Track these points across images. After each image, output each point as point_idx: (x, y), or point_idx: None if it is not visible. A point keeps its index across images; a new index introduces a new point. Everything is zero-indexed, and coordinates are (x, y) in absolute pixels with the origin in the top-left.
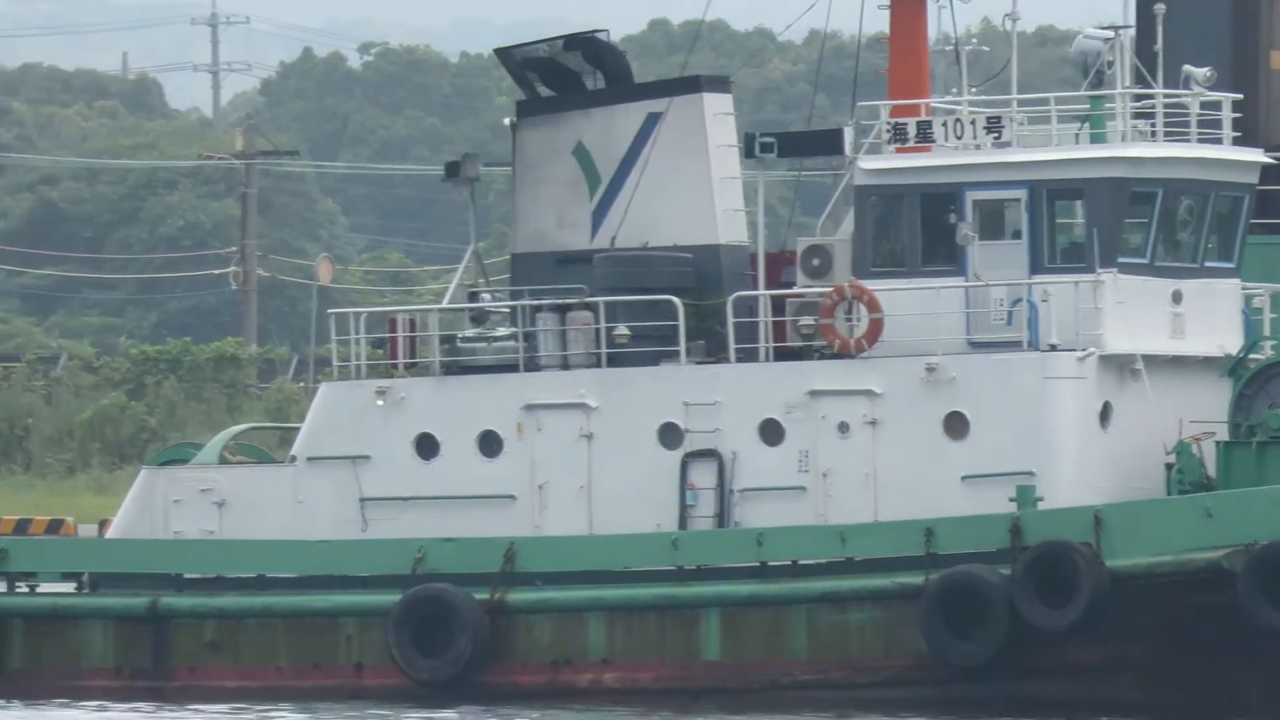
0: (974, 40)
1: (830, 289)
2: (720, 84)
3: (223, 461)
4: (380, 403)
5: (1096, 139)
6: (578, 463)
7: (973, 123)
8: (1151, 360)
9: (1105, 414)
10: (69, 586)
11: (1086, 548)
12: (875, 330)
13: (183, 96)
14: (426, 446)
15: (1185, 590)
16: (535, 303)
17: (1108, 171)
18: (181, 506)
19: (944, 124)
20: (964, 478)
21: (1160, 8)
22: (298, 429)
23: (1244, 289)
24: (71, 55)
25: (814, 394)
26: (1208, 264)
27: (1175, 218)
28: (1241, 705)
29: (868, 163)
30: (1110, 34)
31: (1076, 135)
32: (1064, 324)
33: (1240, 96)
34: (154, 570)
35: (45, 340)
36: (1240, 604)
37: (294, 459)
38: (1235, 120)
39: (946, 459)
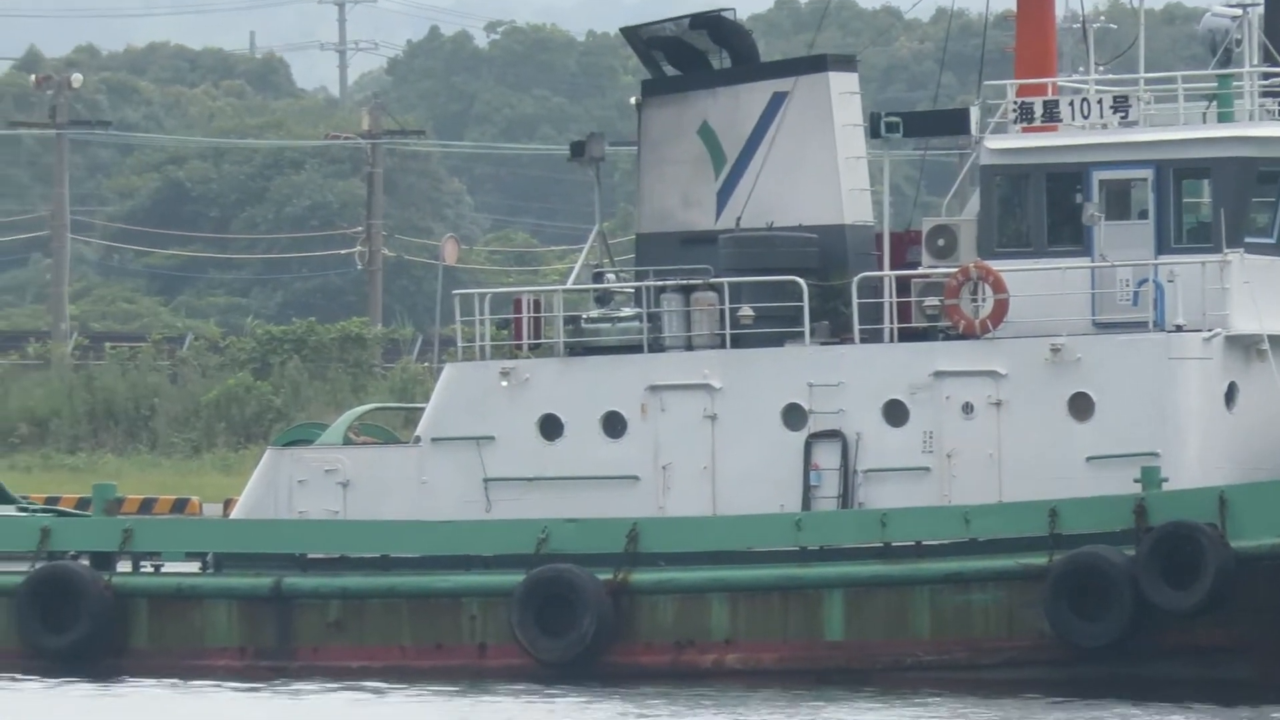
0: (1101, 18)
1: (955, 269)
2: (846, 63)
3: (347, 442)
4: (505, 383)
5: (1224, 118)
6: (701, 443)
7: (1099, 102)
8: (1278, 340)
9: (1231, 395)
10: (193, 566)
11: (1211, 529)
12: (1000, 311)
13: (309, 76)
14: (550, 427)
15: None
16: (660, 283)
17: (1235, 151)
18: (306, 487)
19: (1070, 103)
20: (1088, 459)
21: None
22: (422, 409)
23: None
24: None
25: (938, 375)
26: None
27: None
28: None
29: (994, 142)
30: (1238, 11)
31: (1204, 114)
32: (1190, 304)
33: None
34: (278, 550)
35: (171, 320)
36: None
37: (418, 439)
38: None
39: (1071, 440)
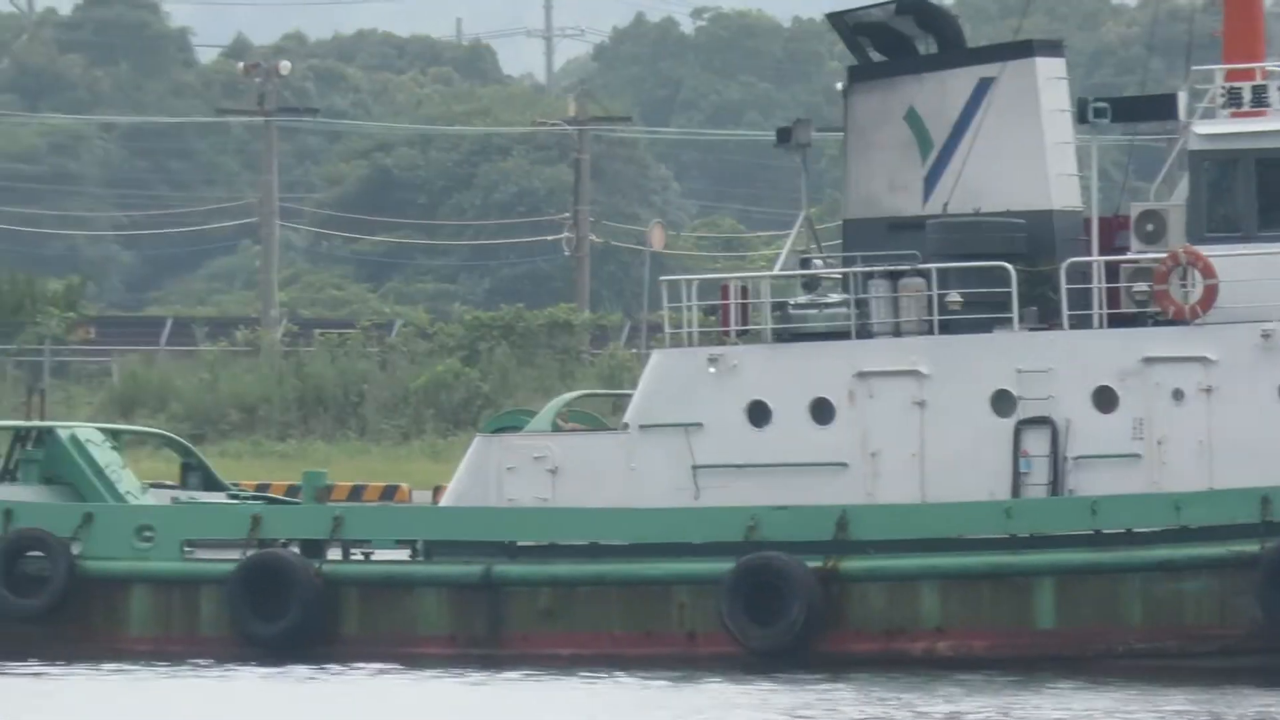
0: None
1: (1165, 255)
2: (1053, 48)
3: (555, 428)
4: (712, 370)
5: None
6: (910, 430)
7: None
8: None
9: None
10: (403, 554)
11: None
12: (1210, 296)
13: (516, 62)
14: (759, 413)
15: None
16: (867, 269)
17: None
18: (515, 474)
19: (1279, 88)
20: None
21: None
22: (630, 396)
23: None
24: (406, 21)
25: (1148, 361)
26: None
27: None
28: None
29: (1202, 127)
30: None
31: None
32: None
33: None
34: (488, 538)
35: (380, 307)
36: None
37: (626, 426)
38: None
39: None
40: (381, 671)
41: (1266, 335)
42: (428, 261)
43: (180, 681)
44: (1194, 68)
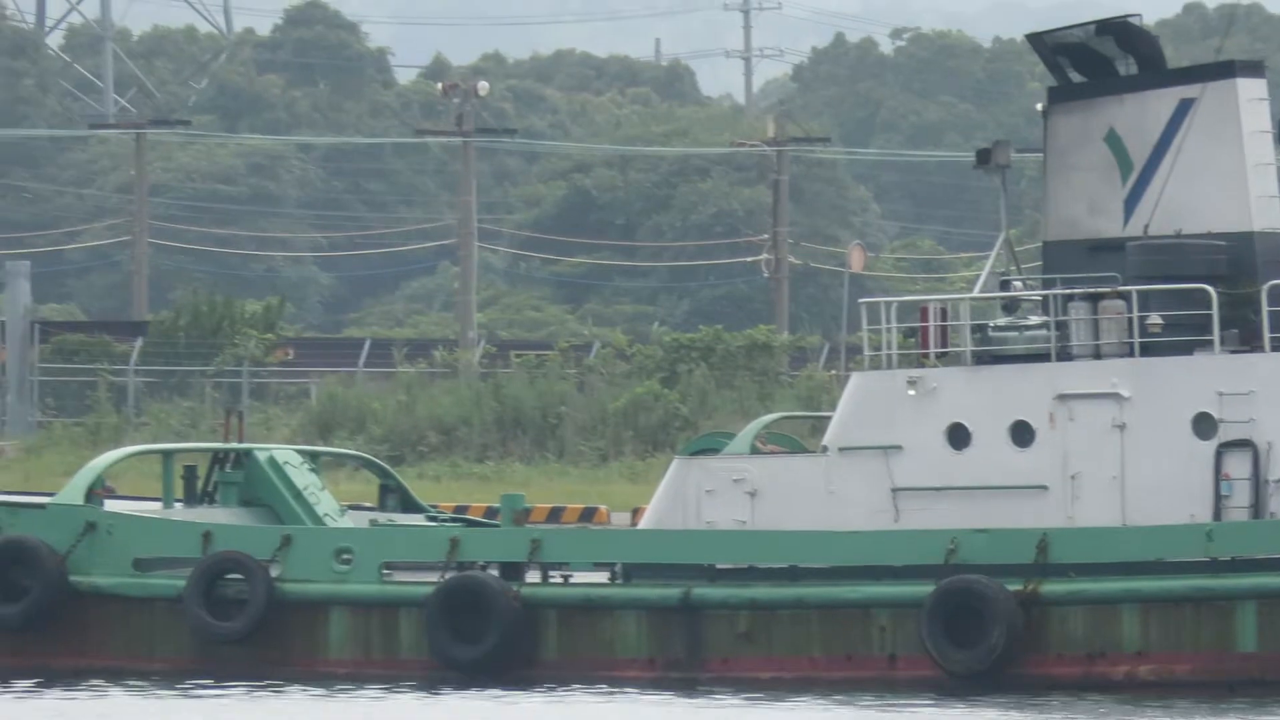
0: None
1: None
2: (1255, 69)
3: (754, 451)
4: (912, 392)
5: None
6: (1110, 453)
7: None
8: None
9: None
10: (602, 576)
11: None
12: None
13: (715, 83)
14: (958, 436)
15: None
16: (1067, 291)
17: None
18: (714, 496)
19: None
20: None
21: None
22: (829, 418)
23: None
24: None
25: None
26: None
27: None
28: None
29: None
30: None
31: None
32: None
33: None
34: (687, 560)
35: (578, 328)
36: None
37: (825, 448)
38: None
39: None
40: (579, 695)
41: None
42: (626, 283)
43: (380, 703)
44: None
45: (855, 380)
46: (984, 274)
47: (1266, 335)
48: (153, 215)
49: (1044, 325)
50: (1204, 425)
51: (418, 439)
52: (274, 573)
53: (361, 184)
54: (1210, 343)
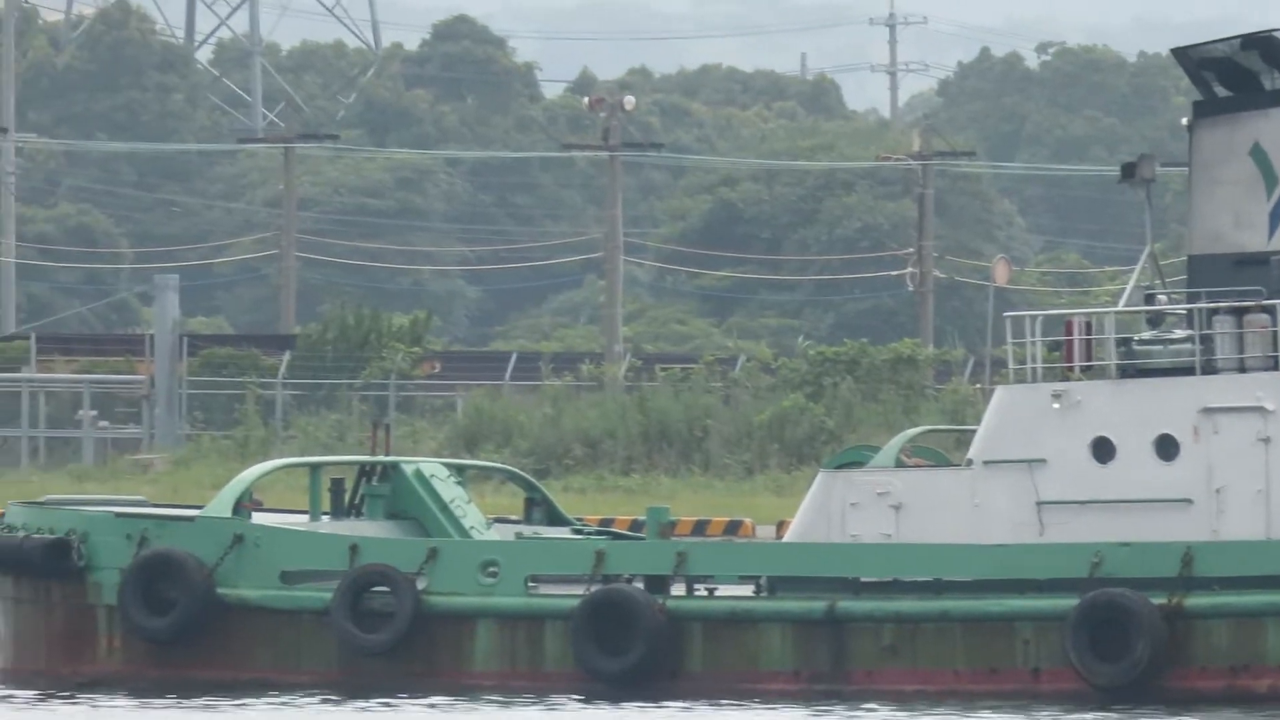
0: None
1: None
2: None
3: (899, 464)
4: (1056, 406)
5: None
6: (1255, 466)
7: None
8: None
9: None
10: (747, 589)
11: None
12: None
13: (861, 97)
14: (1103, 449)
15: None
16: (1212, 305)
17: None
18: (858, 509)
19: None
20: None
21: None
22: (974, 431)
23: None
24: (750, 56)
25: None
26: None
27: None
28: None
29: None
30: None
31: None
32: None
33: None
34: (832, 574)
35: (723, 341)
36: None
37: (970, 462)
38: None
39: None
40: (724, 708)
41: None
42: (771, 296)
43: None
44: None
45: (1000, 394)
46: (1129, 288)
47: None
48: (300, 229)
49: (1189, 339)
50: None
51: (563, 452)
52: (420, 585)
53: (508, 198)
54: None
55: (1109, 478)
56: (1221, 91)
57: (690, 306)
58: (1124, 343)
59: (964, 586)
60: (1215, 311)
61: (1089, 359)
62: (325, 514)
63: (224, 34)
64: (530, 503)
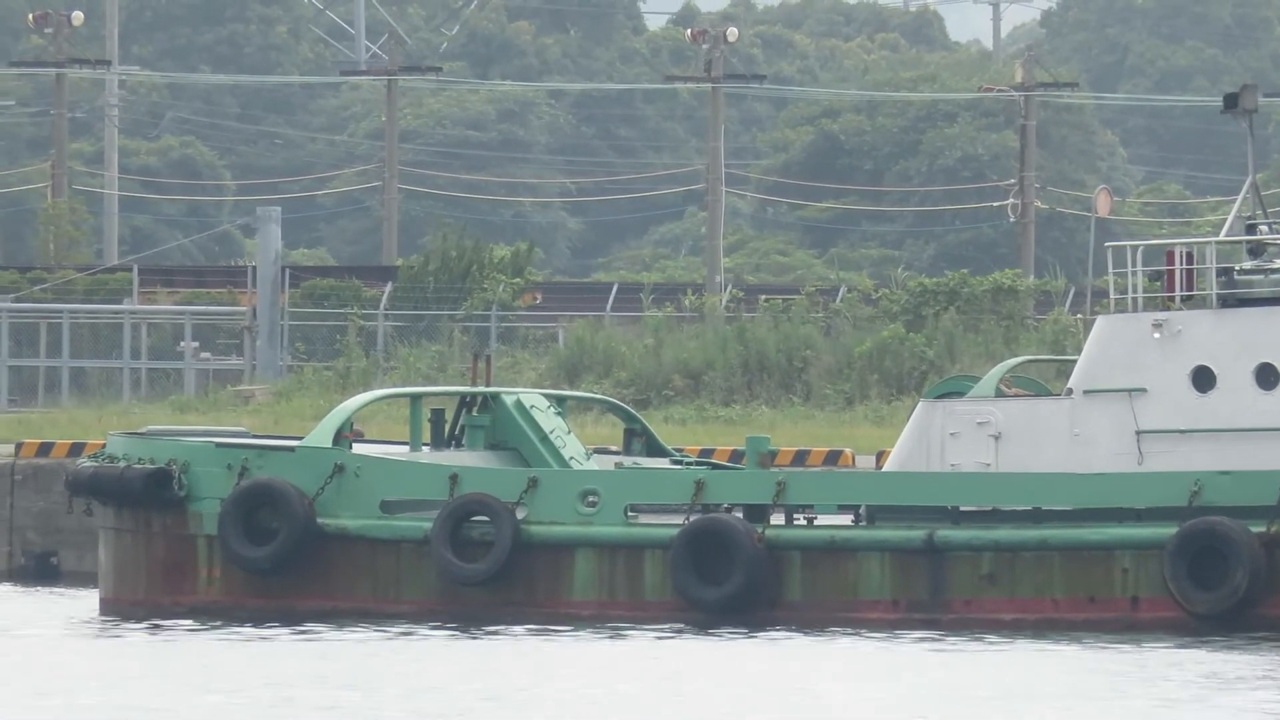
0: None
1: None
2: None
3: (999, 394)
4: (1157, 335)
5: None
6: None
7: None
8: None
9: None
10: (846, 519)
11: None
12: None
13: (964, 28)
14: (1203, 379)
15: None
16: None
17: None
18: (958, 439)
19: None
20: None
21: None
22: (1074, 361)
23: None
24: None
25: None
26: None
27: None
28: None
29: None
30: None
31: None
32: None
33: None
34: (931, 503)
35: (824, 272)
36: None
37: (1070, 391)
38: None
39: None
40: (824, 635)
41: None
42: (873, 227)
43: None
44: None
45: (1101, 323)
46: (1230, 218)
47: None
48: (403, 161)
49: None
50: None
51: (664, 383)
52: (520, 515)
53: (611, 130)
54: None
55: (1209, 407)
56: None
57: (791, 238)
58: (1225, 272)
59: (1063, 515)
60: None
61: (1190, 289)
62: (425, 444)
63: None
64: (630, 433)
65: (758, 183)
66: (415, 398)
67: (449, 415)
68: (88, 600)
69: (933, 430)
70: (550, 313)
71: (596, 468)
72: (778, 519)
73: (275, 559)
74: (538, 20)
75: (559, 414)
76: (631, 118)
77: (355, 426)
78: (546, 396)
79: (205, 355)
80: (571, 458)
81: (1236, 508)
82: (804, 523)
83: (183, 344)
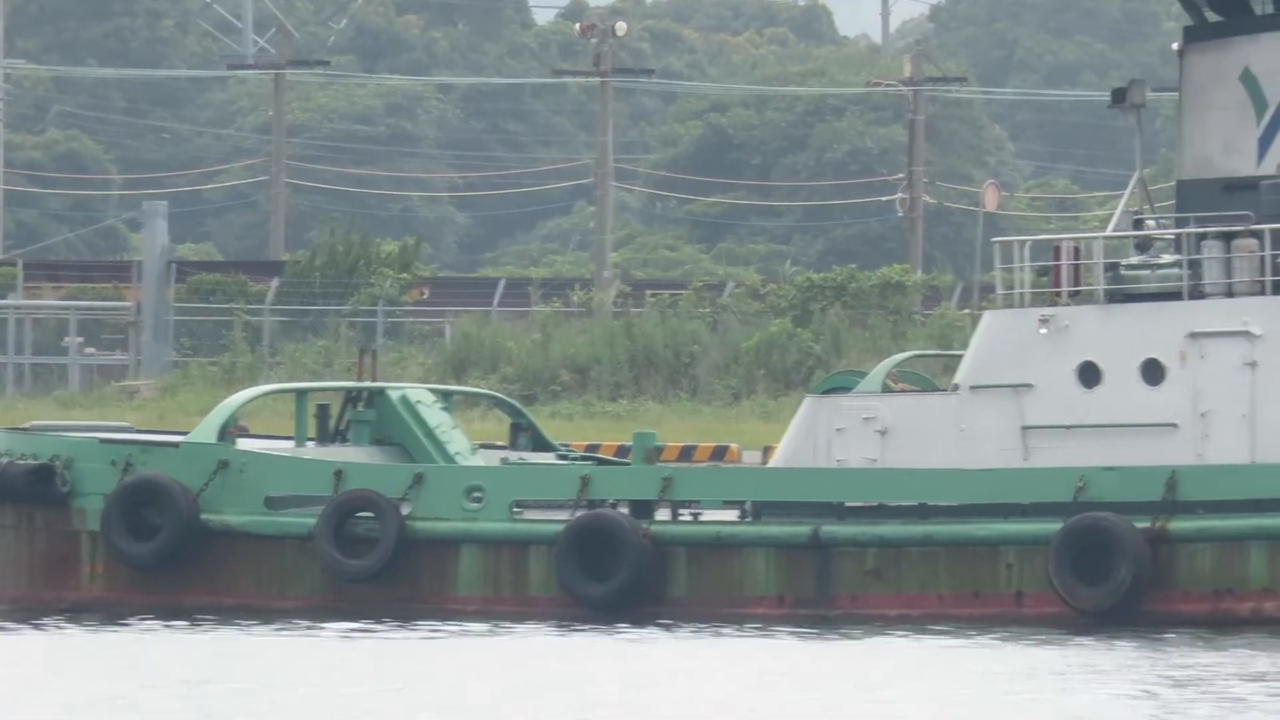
0: None
1: None
2: None
3: (885, 389)
4: (1044, 331)
5: None
6: (1241, 391)
7: None
8: None
9: None
10: (732, 514)
11: None
12: None
13: (853, 23)
14: (1089, 374)
15: None
16: (1200, 230)
17: None
18: (844, 435)
19: None
20: None
21: None
22: (961, 357)
23: None
24: None
25: None
26: None
27: None
28: None
29: None
30: None
31: None
32: None
33: None
34: (817, 499)
35: (712, 267)
36: None
37: (957, 387)
38: None
39: None
40: (707, 632)
41: None
42: (761, 222)
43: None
44: None
45: (987, 319)
46: (1117, 213)
47: None
48: (291, 155)
49: (1177, 264)
50: None
51: (551, 378)
52: (405, 511)
53: (499, 124)
54: None
55: (1095, 402)
56: (1212, 16)
57: (680, 232)
58: (1112, 268)
59: (948, 511)
60: (1204, 236)
61: (1077, 284)
62: (311, 440)
63: None
64: (516, 428)
65: (646, 177)
66: (301, 393)
67: (334, 411)
68: None
69: (819, 426)
70: (437, 308)
71: (482, 463)
72: (664, 515)
73: (159, 555)
74: (426, 14)
75: (445, 409)
76: (520, 112)
77: (240, 422)
78: (433, 392)
79: (90, 350)
80: (457, 453)
81: (1121, 503)
82: (690, 518)
83: (67, 339)
